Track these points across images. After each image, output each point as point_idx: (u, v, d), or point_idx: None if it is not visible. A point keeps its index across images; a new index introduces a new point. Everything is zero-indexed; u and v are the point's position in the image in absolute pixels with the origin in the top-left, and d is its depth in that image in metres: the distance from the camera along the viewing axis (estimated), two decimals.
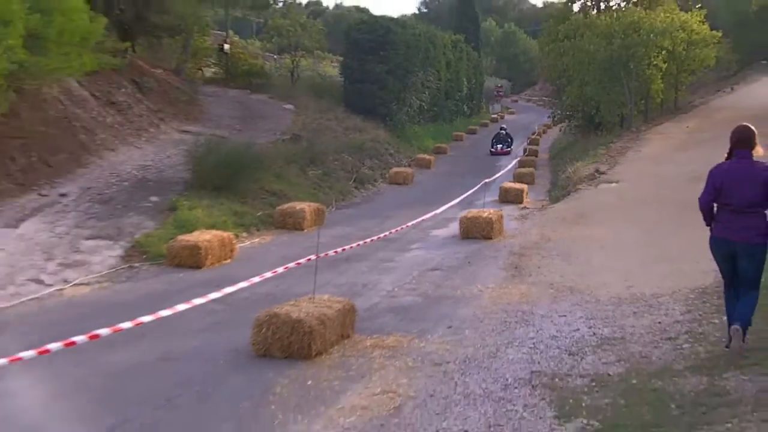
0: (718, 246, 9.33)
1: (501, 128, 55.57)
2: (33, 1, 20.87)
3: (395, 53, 47.07)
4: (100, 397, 9.57)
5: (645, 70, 43.02)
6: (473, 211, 22.96)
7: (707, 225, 9.49)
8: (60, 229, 18.81)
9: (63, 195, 21.69)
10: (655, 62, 43.00)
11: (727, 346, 9.36)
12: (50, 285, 15.38)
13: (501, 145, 51.49)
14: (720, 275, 9.94)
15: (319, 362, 10.74)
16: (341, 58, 54.21)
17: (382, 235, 18.01)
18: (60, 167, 23.71)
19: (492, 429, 8.18)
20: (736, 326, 9.00)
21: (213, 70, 51.50)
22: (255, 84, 47.80)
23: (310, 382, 9.97)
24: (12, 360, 7.15)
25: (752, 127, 9.26)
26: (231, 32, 57.20)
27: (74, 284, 15.68)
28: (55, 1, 21.61)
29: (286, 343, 10.84)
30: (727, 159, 9.26)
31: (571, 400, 8.73)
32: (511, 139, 53.34)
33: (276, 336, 10.87)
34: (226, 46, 51.30)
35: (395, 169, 37.63)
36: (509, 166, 39.31)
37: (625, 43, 43.14)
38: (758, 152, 9.21)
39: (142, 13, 37.67)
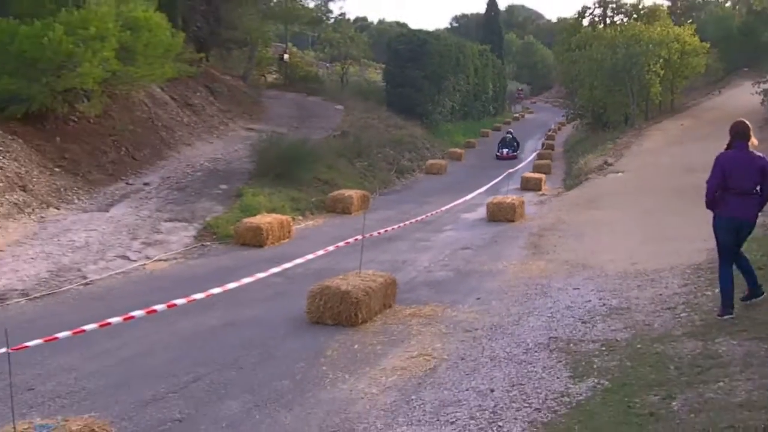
0: (726, 224, 9.36)
1: (507, 132, 48.49)
2: (124, 20, 21.08)
3: (430, 61, 46.84)
4: (176, 358, 9.56)
5: (645, 76, 42.64)
6: (498, 197, 22.92)
7: (709, 206, 9.48)
8: (143, 213, 18.86)
9: (146, 184, 21.79)
10: (653, 69, 42.65)
11: (719, 315, 9.39)
12: (134, 261, 15.42)
13: (507, 150, 44.69)
14: (715, 253, 9.90)
15: (365, 329, 10.70)
16: (384, 66, 54.09)
17: (419, 218, 18.00)
18: (144, 160, 23.84)
19: (515, 387, 8.15)
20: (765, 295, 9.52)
21: (274, 76, 51.56)
22: (310, 88, 47.72)
23: (356, 346, 9.93)
24: (102, 325, 7.16)
25: (748, 123, 9.36)
26: (290, 44, 57.21)
27: (155, 260, 15.71)
28: (143, 20, 21.79)
29: (336, 312, 10.82)
30: (727, 149, 9.30)
31: (584, 362, 8.71)
32: (518, 143, 46.59)
33: (327, 306, 10.85)
34: (286, 56, 51.42)
35: (431, 161, 37.40)
36: (529, 159, 39.11)
37: (628, 52, 42.89)
38: (753, 143, 9.32)
39: (214, 29, 37.91)
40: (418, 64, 46.23)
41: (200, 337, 10.53)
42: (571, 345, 9.46)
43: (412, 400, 8.02)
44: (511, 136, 46.70)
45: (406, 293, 12.79)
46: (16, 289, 12.82)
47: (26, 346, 6.17)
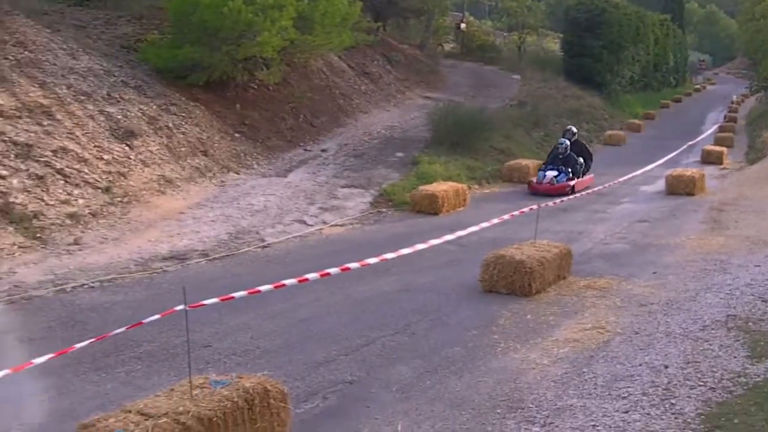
0: None
1: (566, 130, 24.28)
2: None
3: (609, 30, 45.66)
4: (349, 321, 9.69)
5: None
6: (678, 170, 22.29)
7: None
8: (320, 179, 19.21)
9: (324, 150, 22.19)
10: None
11: None
12: (311, 225, 15.72)
13: (555, 172, 21.45)
14: None
15: (538, 299, 10.60)
16: (561, 35, 53.16)
17: (596, 189, 17.61)
18: (322, 127, 24.28)
19: (690, 364, 7.91)
20: None
21: (451, 45, 51.53)
22: (487, 57, 47.48)
23: (529, 316, 9.84)
24: (277, 286, 7.28)
25: None
26: (467, 13, 56.98)
27: (331, 225, 15.98)
28: None
29: (509, 281, 10.76)
30: None
31: (762, 342, 8.35)
32: (589, 153, 23.84)
33: (501, 275, 10.80)
34: (463, 25, 51.22)
35: (609, 132, 36.57)
36: (710, 131, 37.67)
37: None
38: None
39: None
40: (596, 33, 45.12)
41: (374, 302, 10.63)
42: (750, 324, 9.07)
43: (584, 372, 7.90)
44: (567, 143, 22.57)
45: (581, 265, 12.55)
46: (197, 250, 13.30)
47: (203, 304, 6.33)
